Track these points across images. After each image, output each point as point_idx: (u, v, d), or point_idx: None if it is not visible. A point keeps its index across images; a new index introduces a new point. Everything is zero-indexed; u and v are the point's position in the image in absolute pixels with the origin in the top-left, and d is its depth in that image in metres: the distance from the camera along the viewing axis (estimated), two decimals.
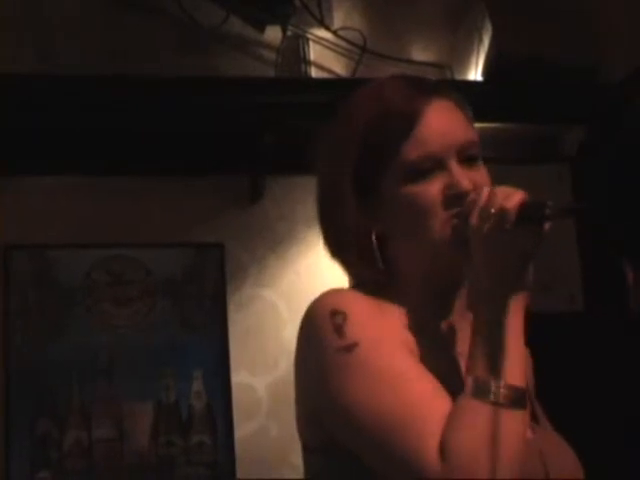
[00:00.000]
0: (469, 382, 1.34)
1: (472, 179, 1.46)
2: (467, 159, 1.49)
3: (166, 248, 3.67)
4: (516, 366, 1.36)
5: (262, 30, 3.65)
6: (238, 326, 3.64)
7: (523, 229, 1.40)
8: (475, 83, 3.75)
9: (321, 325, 1.43)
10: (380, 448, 1.34)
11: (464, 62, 3.78)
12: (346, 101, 1.59)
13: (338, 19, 3.77)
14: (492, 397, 1.32)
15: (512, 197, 1.41)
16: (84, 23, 3.61)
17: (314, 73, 3.73)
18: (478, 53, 3.74)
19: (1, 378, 3.43)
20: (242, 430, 3.57)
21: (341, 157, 1.53)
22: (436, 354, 1.43)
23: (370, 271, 1.50)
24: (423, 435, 1.31)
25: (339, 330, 1.41)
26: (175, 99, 3.48)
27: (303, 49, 3.71)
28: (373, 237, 1.49)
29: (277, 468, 3.42)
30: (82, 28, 3.60)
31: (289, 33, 3.68)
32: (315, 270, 3.46)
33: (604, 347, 3.52)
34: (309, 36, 3.73)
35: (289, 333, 3.69)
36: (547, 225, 1.43)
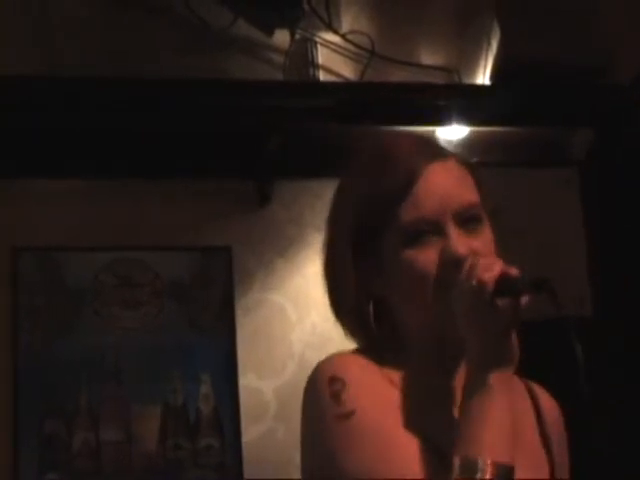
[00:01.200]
0: (456, 462, 1.33)
1: (470, 245, 1.44)
2: (467, 222, 1.46)
3: (174, 251, 3.68)
4: (503, 442, 1.35)
5: (270, 33, 3.65)
6: (246, 329, 3.64)
7: (502, 302, 1.38)
8: (483, 87, 3.75)
9: (320, 391, 1.43)
10: None
11: (472, 66, 3.78)
12: (350, 162, 1.57)
13: (346, 23, 3.77)
14: (479, 475, 1.32)
15: (491, 269, 1.39)
16: (88, 24, 3.61)
17: (322, 76, 3.73)
18: (486, 57, 3.73)
19: (10, 379, 3.44)
20: (250, 433, 3.57)
21: (341, 221, 1.51)
22: (439, 414, 1.44)
23: (367, 337, 1.50)
24: None
25: (337, 397, 1.41)
26: (183, 101, 3.49)
27: (311, 52, 3.71)
28: (370, 305, 1.49)
29: (284, 470, 3.42)
30: (86, 29, 3.60)
31: (297, 36, 3.69)
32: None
33: (613, 352, 3.52)
34: (317, 40, 3.73)
35: (296, 337, 3.69)
36: (524, 299, 1.41)
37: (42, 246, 3.57)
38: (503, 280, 1.39)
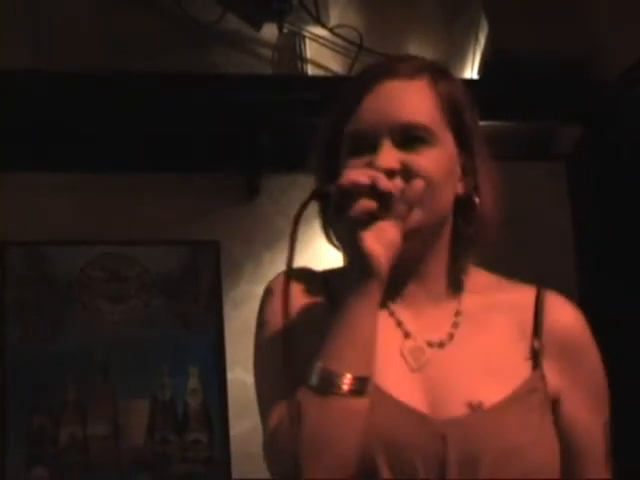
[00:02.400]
0: (315, 372, 1.37)
1: (405, 161, 1.45)
2: (407, 140, 1.47)
3: (162, 245, 3.67)
4: (362, 356, 1.38)
5: (258, 27, 3.65)
6: (234, 323, 3.64)
7: (347, 211, 1.41)
8: (471, 81, 3.75)
9: (260, 299, 1.57)
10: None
11: (460, 60, 3.79)
12: None
13: (334, 17, 3.77)
14: (335, 389, 1.35)
15: (342, 180, 1.42)
16: (80, 20, 3.60)
17: (310, 70, 3.73)
18: (474, 51, 3.74)
19: None
20: (237, 427, 3.57)
21: (316, 144, 1.57)
22: None
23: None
24: (270, 415, 1.41)
25: (262, 307, 1.56)
26: (170, 96, 3.48)
27: (299, 46, 3.71)
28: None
29: None
30: (78, 25, 3.60)
31: (285, 30, 3.68)
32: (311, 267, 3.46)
33: (599, 345, 3.52)
34: (305, 34, 3.73)
35: None
36: (355, 211, 1.40)
37: (29, 240, 3.56)
38: (344, 190, 1.40)
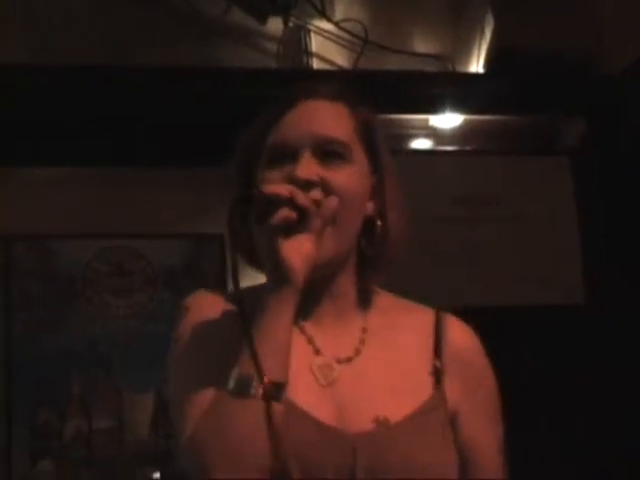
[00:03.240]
0: (232, 377, 1.40)
1: (323, 175, 1.50)
2: (326, 155, 1.53)
3: (166, 239, 3.67)
4: (278, 361, 1.41)
5: (264, 21, 3.64)
6: None
7: (265, 220, 1.45)
8: (476, 75, 3.74)
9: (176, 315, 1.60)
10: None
11: (465, 54, 3.78)
12: None
13: (339, 10, 3.77)
14: (252, 392, 1.38)
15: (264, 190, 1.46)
16: (81, 11, 3.60)
17: (315, 64, 3.72)
18: (480, 45, 3.73)
19: (2, 368, 3.44)
20: None
21: (235, 161, 1.65)
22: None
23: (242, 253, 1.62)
24: (185, 423, 1.43)
25: (178, 323, 1.58)
26: (175, 90, 3.48)
27: (304, 40, 3.71)
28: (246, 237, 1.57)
29: None
30: (78, 16, 3.59)
31: (291, 24, 3.68)
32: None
33: (605, 341, 3.52)
34: (310, 27, 3.73)
35: None
36: (275, 219, 1.44)
37: (34, 234, 3.56)
38: (266, 198, 1.44)
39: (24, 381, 3.44)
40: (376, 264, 1.61)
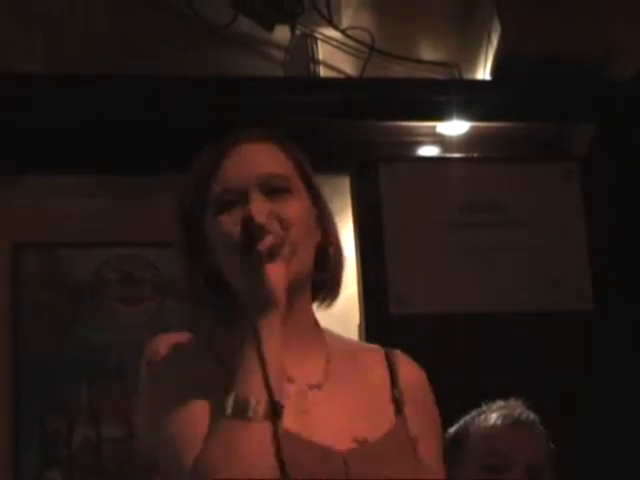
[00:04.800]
0: (229, 401, 1.42)
1: (274, 210, 1.55)
2: (273, 191, 1.58)
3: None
4: (273, 381, 1.42)
5: (271, 29, 3.65)
6: None
7: (246, 254, 1.50)
8: (483, 82, 3.75)
9: (141, 363, 1.67)
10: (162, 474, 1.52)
11: (472, 61, 3.78)
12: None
13: (346, 18, 3.77)
14: (250, 414, 1.40)
15: (242, 222, 1.52)
16: (89, 20, 3.61)
17: (322, 72, 3.73)
18: (487, 52, 3.73)
19: (11, 376, 3.44)
20: None
21: (176, 211, 1.73)
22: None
23: (206, 311, 1.65)
24: (183, 455, 1.44)
25: (142, 377, 1.66)
26: (183, 97, 3.49)
27: (312, 48, 3.71)
28: (201, 281, 1.63)
29: None
30: (86, 25, 3.60)
31: (298, 32, 3.68)
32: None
33: (613, 347, 3.52)
34: (317, 35, 3.73)
35: None
36: (263, 244, 1.50)
37: (44, 242, 3.57)
38: (245, 232, 1.51)
39: (32, 389, 3.43)
40: (331, 287, 1.67)
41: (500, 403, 2.43)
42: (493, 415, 2.39)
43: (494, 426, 2.36)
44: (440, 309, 3.51)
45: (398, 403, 1.64)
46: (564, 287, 3.62)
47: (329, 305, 1.69)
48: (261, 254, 1.48)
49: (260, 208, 1.54)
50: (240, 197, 1.57)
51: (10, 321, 3.48)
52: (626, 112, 3.66)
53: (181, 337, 1.64)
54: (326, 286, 1.67)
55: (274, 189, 1.59)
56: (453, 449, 2.37)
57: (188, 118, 3.49)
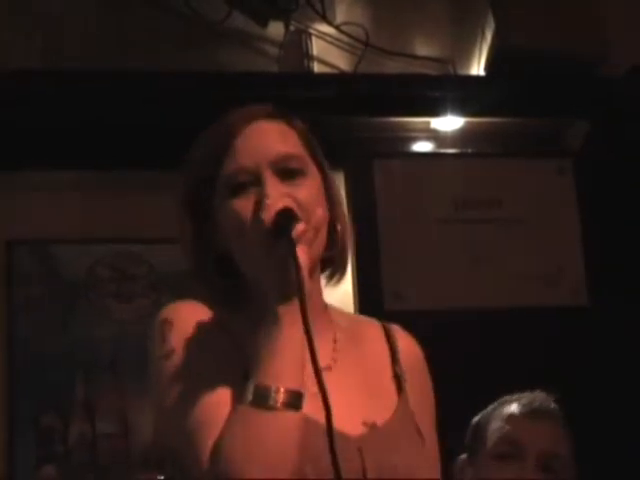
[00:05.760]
0: (249, 389, 1.41)
1: (288, 192, 1.53)
2: (286, 173, 1.56)
3: (168, 243, 3.66)
4: (293, 370, 1.43)
5: (265, 25, 3.65)
6: None
7: (279, 239, 1.46)
8: (478, 78, 3.75)
9: (152, 334, 1.57)
10: (177, 453, 1.48)
11: (467, 57, 3.78)
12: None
13: (340, 14, 3.77)
14: (271, 402, 1.40)
15: (270, 209, 1.48)
16: (83, 16, 3.60)
17: (317, 68, 3.73)
18: (481, 48, 3.73)
19: (5, 373, 3.44)
20: None
21: (181, 189, 1.69)
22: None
23: (211, 290, 1.63)
24: (203, 440, 1.41)
25: (163, 338, 1.55)
26: (176, 94, 3.49)
27: (306, 44, 3.71)
28: (211, 261, 1.61)
29: None
30: (80, 21, 3.60)
31: (292, 28, 3.68)
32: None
33: (608, 343, 3.52)
34: (312, 31, 3.73)
35: None
36: (297, 233, 1.47)
37: (37, 239, 3.56)
38: (279, 219, 1.47)
39: (27, 386, 3.43)
40: (340, 264, 1.66)
41: (524, 394, 2.44)
42: (512, 405, 2.39)
43: (510, 415, 2.36)
44: (435, 305, 3.51)
45: (399, 379, 1.65)
46: (559, 283, 3.62)
47: (337, 282, 1.68)
48: (293, 242, 1.44)
49: (278, 192, 1.52)
50: (253, 179, 1.55)
51: (4, 318, 3.48)
52: (621, 108, 3.66)
53: (203, 309, 1.60)
54: (335, 263, 1.65)
55: (288, 170, 1.56)
56: (473, 439, 2.39)
57: (183, 114, 3.49)
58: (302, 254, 1.45)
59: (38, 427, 3.42)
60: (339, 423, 1.47)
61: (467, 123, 3.73)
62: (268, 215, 1.47)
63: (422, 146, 3.80)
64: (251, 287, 1.59)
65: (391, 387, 1.64)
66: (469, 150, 3.77)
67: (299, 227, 1.46)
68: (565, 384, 3.39)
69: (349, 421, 1.51)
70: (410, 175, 3.66)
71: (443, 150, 3.78)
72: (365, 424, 1.53)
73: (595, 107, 3.70)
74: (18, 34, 3.53)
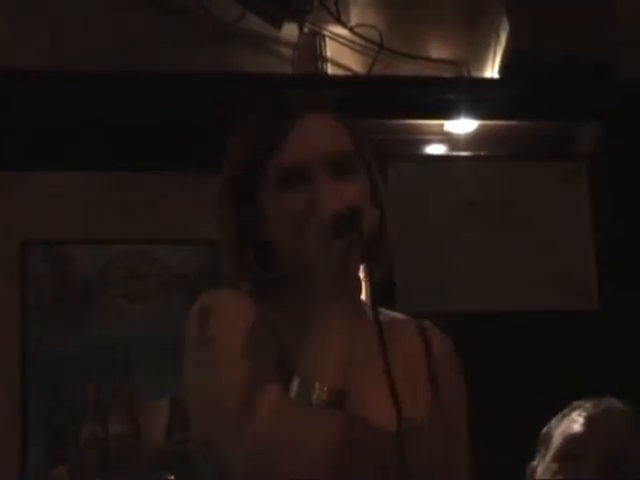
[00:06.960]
0: (295, 384, 1.42)
1: (340, 191, 1.52)
2: (338, 169, 1.55)
3: (181, 244, 3.67)
4: (339, 369, 1.43)
5: (279, 27, 3.65)
6: None
7: (339, 238, 1.44)
8: (492, 80, 3.74)
9: (192, 320, 1.59)
10: (213, 440, 1.48)
11: (481, 59, 3.78)
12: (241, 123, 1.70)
13: (355, 16, 3.77)
14: (314, 399, 1.40)
15: (329, 208, 1.47)
16: (97, 17, 3.61)
17: (330, 70, 3.73)
18: (495, 50, 3.73)
19: (17, 373, 3.44)
20: None
21: (226, 174, 1.68)
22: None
23: (249, 279, 1.63)
24: (242, 425, 1.41)
25: (202, 325, 1.56)
26: (190, 95, 3.49)
27: (320, 46, 3.71)
28: (252, 250, 1.61)
29: None
30: (94, 22, 3.60)
31: (306, 30, 3.68)
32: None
33: (618, 346, 3.51)
34: (326, 33, 3.73)
35: None
36: (366, 234, 1.45)
37: (50, 240, 3.57)
38: (340, 218, 1.44)
39: (39, 386, 3.44)
40: (381, 262, 1.63)
41: (594, 399, 2.43)
42: (579, 408, 2.38)
43: (575, 417, 2.35)
44: (447, 308, 3.51)
45: (434, 375, 1.66)
46: (569, 286, 3.62)
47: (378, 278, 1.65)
48: (355, 243, 1.43)
49: (329, 187, 1.52)
50: (304, 173, 1.54)
51: (17, 318, 3.48)
52: (633, 112, 3.66)
53: (241, 297, 1.61)
54: (381, 259, 1.62)
55: (338, 167, 1.55)
56: (542, 443, 2.37)
57: (194, 115, 3.49)
58: (357, 257, 1.45)
59: (50, 428, 3.43)
60: (378, 418, 1.49)
61: (481, 126, 3.73)
62: (326, 213, 1.46)
63: (435, 149, 3.80)
64: (295, 282, 1.60)
65: (426, 383, 1.65)
66: (482, 153, 3.77)
67: (364, 228, 1.44)
68: (575, 387, 3.39)
69: (385, 417, 1.49)
70: (423, 177, 3.66)
71: (456, 153, 3.78)
72: (404, 420, 1.49)
73: (608, 110, 3.70)
74: (27, 34, 3.53)
